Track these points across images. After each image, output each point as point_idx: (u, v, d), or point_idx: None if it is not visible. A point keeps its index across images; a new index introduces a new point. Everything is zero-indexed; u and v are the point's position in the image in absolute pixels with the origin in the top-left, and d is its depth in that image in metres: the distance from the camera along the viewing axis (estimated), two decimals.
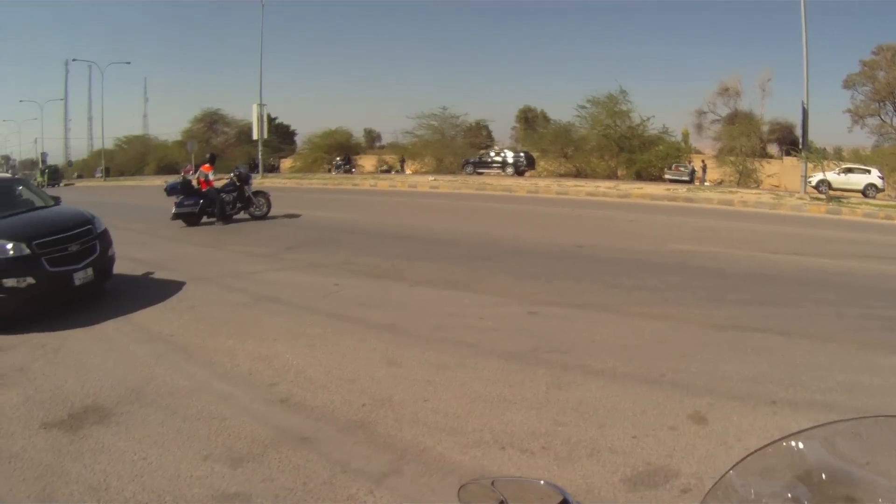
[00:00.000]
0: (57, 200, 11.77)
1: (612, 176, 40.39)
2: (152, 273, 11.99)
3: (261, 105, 44.95)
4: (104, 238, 10.41)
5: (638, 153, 40.76)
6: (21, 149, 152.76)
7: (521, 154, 45.87)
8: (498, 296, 9.60)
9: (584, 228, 16.39)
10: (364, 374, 6.41)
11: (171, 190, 19.81)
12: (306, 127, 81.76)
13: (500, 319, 8.34)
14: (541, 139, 48.28)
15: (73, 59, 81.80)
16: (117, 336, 8.09)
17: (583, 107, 43.99)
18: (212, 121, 75.11)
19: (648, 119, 42.69)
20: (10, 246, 8.85)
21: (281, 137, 76.90)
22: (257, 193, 20.43)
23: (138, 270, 12.15)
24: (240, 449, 4.78)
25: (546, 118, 58.59)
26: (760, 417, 5.26)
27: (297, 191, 34.14)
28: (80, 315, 8.98)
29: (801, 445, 1.28)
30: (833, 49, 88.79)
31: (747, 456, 1.29)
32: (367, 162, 63.42)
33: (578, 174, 42.19)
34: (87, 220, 10.28)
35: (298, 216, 20.62)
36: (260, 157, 47.73)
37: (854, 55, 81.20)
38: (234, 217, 19.90)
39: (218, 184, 19.93)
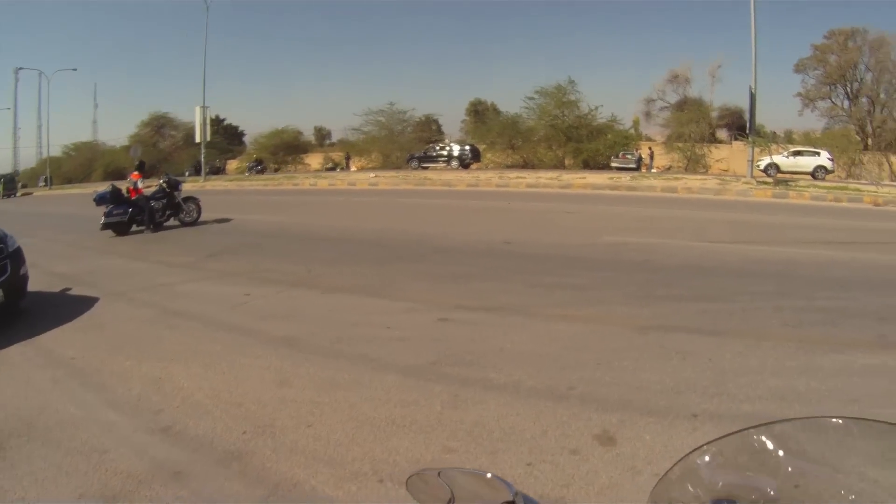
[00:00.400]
0: None
1: (559, 166, 40.13)
2: (70, 289, 11.39)
3: (204, 107, 43.87)
4: (16, 257, 9.69)
5: (585, 142, 40.39)
6: None
7: (467, 147, 45.49)
8: (411, 301, 8.90)
9: (518, 223, 15.70)
10: (252, 396, 5.85)
11: (99, 199, 18.99)
12: (257, 127, 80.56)
13: (408, 328, 7.66)
14: (488, 132, 47.93)
15: (20, 68, 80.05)
16: (21, 361, 7.58)
17: (531, 98, 43.73)
18: (159, 124, 74.31)
19: (597, 108, 42.47)
20: None
21: (229, 138, 76.37)
22: (187, 199, 19.57)
23: (57, 286, 11.62)
24: (114, 486, 4.38)
25: (496, 111, 58.19)
26: (677, 435, 4.61)
27: (236, 193, 33.50)
28: None
29: (763, 438, 1.29)
30: (786, 34, 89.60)
31: (708, 443, 1.30)
32: (314, 160, 63.16)
33: (526, 165, 41.91)
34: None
35: (229, 221, 19.94)
36: (203, 159, 46.86)
37: (806, 40, 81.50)
38: (165, 224, 19.14)
39: (148, 191, 19.08)
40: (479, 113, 64.82)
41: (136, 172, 18.75)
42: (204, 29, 45.26)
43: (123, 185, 19.46)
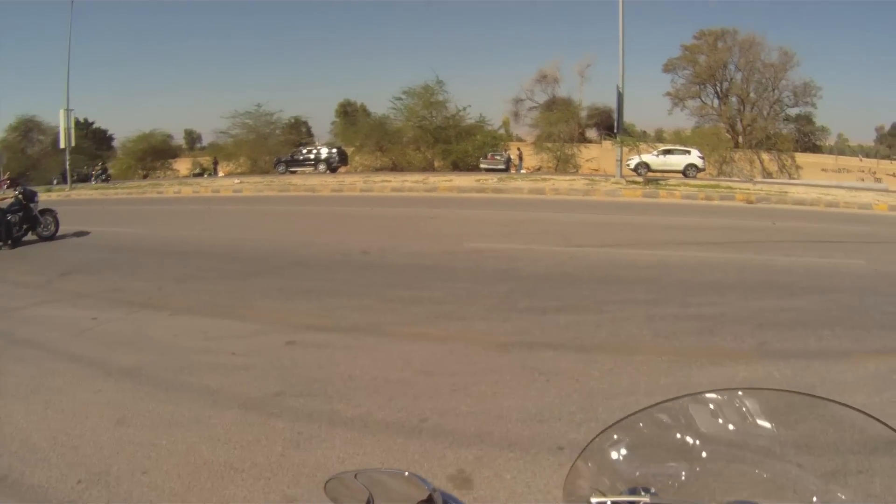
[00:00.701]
0: None
1: (428, 168, 39.76)
2: None
3: (67, 110, 40.13)
4: None
5: (454, 143, 40.07)
6: None
7: (334, 150, 44.49)
8: (260, 322, 8.28)
9: (379, 230, 15.05)
10: (90, 437, 5.36)
11: None
12: (127, 131, 77.40)
13: (254, 353, 7.10)
14: (356, 133, 47.12)
15: None
16: None
17: (398, 98, 43.12)
18: (27, 129, 69.74)
19: (465, 109, 42.31)
20: None
21: (98, 143, 73.27)
22: (44, 212, 17.82)
23: None
24: None
25: (366, 112, 57.40)
26: (542, 472, 4.30)
27: (100, 202, 31.48)
28: None
29: (690, 408, 1.35)
30: (656, 34, 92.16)
31: (608, 428, 1.34)
32: (184, 165, 60.50)
33: (395, 167, 41.35)
34: None
35: (87, 234, 18.59)
36: (68, 166, 44.38)
37: (676, 40, 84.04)
38: (24, 239, 17.59)
39: (3, 203, 17.65)
40: (349, 114, 63.83)
41: None
42: (68, 27, 42.82)
43: None
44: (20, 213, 17.36)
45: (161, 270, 12.09)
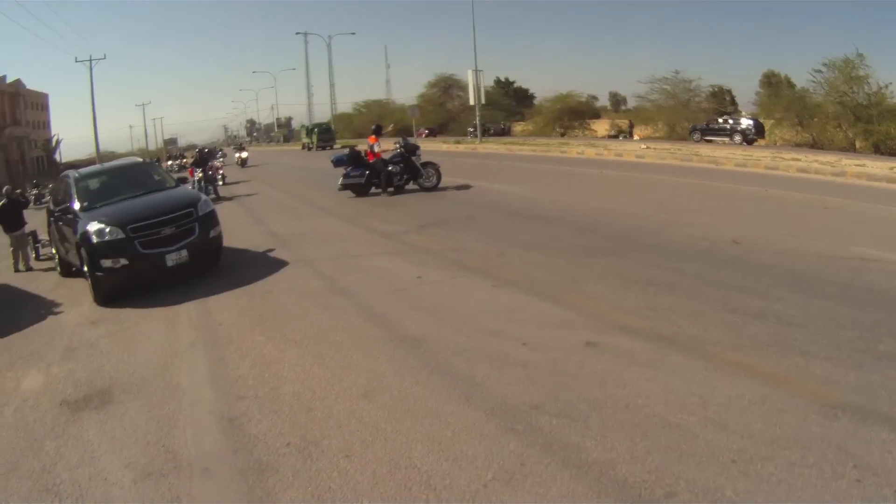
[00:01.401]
0: (178, 182, 12.76)
1: (848, 148, 34.86)
2: (272, 250, 12.37)
3: (476, 71, 45.38)
4: (206, 221, 10.82)
5: (876, 124, 34.78)
6: (259, 115, 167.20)
7: (750, 122, 41.21)
8: (575, 311, 7.29)
9: (761, 216, 12.38)
10: (329, 404, 5.56)
11: (337, 162, 19.81)
12: (550, 91, 79.98)
13: (545, 348, 6.25)
14: (775, 106, 43.31)
15: (297, 32, 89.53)
16: (183, 320, 8.68)
17: (818, 71, 38.59)
18: (446, 85, 77.06)
19: (887, 86, 36.50)
20: (108, 230, 9.81)
21: (518, 101, 77.06)
22: (426, 164, 19.51)
23: (266, 245, 12.90)
24: (155, 465, 4.87)
25: (790, 84, 52.75)
26: None
27: (500, 158, 32.78)
28: (174, 294, 9.81)
29: None
30: None
31: None
32: (601, 126, 61.70)
33: (814, 145, 37.01)
34: (189, 204, 10.81)
35: (468, 188, 19.41)
36: (478, 121, 48.04)
37: None
38: (406, 188, 19.35)
39: (386, 155, 19.49)
40: (773, 85, 59.55)
41: (372, 136, 18.94)
42: None
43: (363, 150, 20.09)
44: (401, 165, 19.13)
45: (514, 234, 11.98)
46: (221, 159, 29.77)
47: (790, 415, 4.61)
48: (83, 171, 12.80)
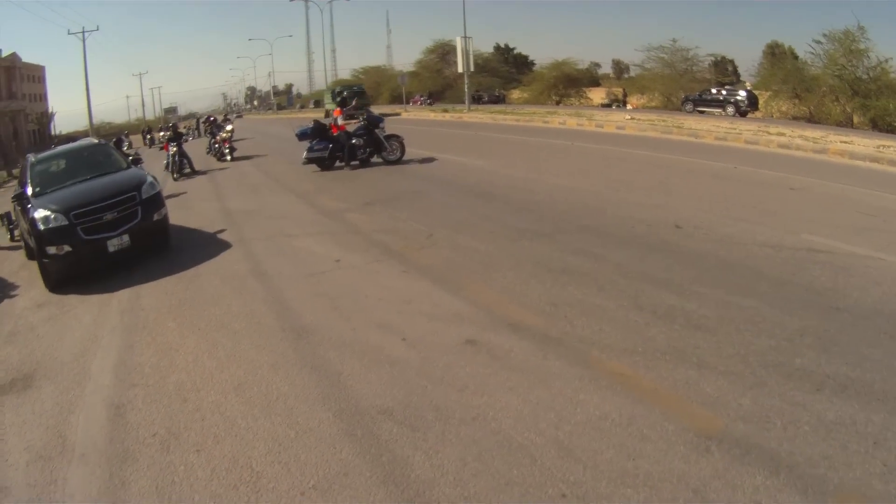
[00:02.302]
0: (130, 164, 12.78)
1: (845, 123, 34.26)
2: (223, 230, 12.55)
3: (465, 38, 44.89)
4: (150, 204, 10.88)
5: (874, 99, 34.09)
6: (257, 82, 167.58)
7: (743, 93, 40.75)
8: (474, 303, 7.19)
9: (714, 197, 11.87)
10: (203, 395, 5.77)
11: (301, 135, 19.71)
12: (550, 57, 79.40)
13: (423, 346, 6.18)
14: (772, 78, 42.82)
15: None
16: (112, 304, 8.88)
17: (817, 42, 38.02)
18: (444, 52, 76.55)
19: (887, 61, 35.86)
20: (52, 216, 9.96)
21: (518, 67, 76.94)
22: (390, 137, 19.40)
23: (215, 224, 13.16)
24: None
25: (794, 55, 52.18)
26: None
27: (483, 127, 32.45)
28: (114, 278, 9.99)
29: None
30: None
31: None
32: (598, 94, 61.94)
33: (811, 119, 36.46)
34: (133, 188, 10.86)
35: (433, 161, 19.35)
36: (466, 89, 47.26)
37: None
38: (372, 161, 19.30)
39: (350, 128, 19.49)
40: (776, 56, 59.05)
41: (337, 108, 18.83)
42: None
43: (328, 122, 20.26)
44: (364, 138, 19.05)
45: (452, 213, 11.99)
46: (230, 129, 28.89)
47: (653, 444, 4.24)
48: (41, 155, 12.98)
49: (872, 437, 4.14)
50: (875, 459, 3.92)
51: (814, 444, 4.09)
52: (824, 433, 4.20)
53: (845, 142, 19.81)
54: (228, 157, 25.85)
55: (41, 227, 9.95)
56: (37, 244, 10.06)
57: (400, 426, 4.80)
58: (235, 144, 27.48)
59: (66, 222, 9.92)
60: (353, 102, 22.27)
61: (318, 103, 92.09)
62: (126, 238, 10.24)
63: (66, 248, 9.82)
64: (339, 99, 20.32)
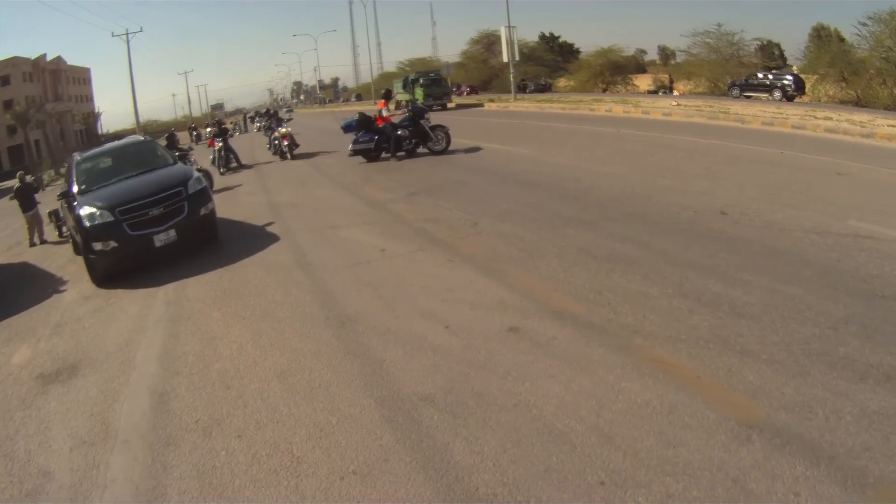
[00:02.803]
0: (176, 160, 12.95)
1: (893, 106, 32.86)
2: (272, 223, 12.62)
3: (509, 27, 44.47)
4: (197, 199, 10.95)
5: None
6: (303, 77, 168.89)
7: (790, 77, 39.67)
8: (518, 291, 7.10)
9: (763, 182, 11.47)
10: (246, 381, 5.80)
11: (346, 128, 19.78)
12: (598, 46, 78.70)
13: (465, 334, 6.12)
14: (818, 61, 41.65)
15: None
16: (160, 296, 9.02)
17: (863, 24, 36.77)
18: (489, 42, 76.30)
19: None
20: (98, 213, 10.09)
21: (564, 56, 76.40)
22: (435, 128, 19.38)
23: (261, 217, 13.27)
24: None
25: (840, 38, 50.84)
26: None
27: (529, 116, 32.21)
28: (162, 272, 10.13)
29: None
30: None
31: None
32: (644, 81, 60.75)
33: (858, 103, 35.30)
34: (179, 183, 10.93)
35: (478, 150, 19.25)
36: (511, 78, 47.05)
37: None
38: (418, 151, 19.32)
39: (396, 119, 19.58)
40: (822, 39, 57.64)
41: (381, 101, 18.95)
42: None
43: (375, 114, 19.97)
44: (410, 129, 19.04)
45: (496, 202, 11.83)
46: (288, 123, 27.69)
47: (693, 432, 4.14)
48: (86, 153, 13.16)
49: None
50: None
51: (855, 434, 3.95)
52: (866, 424, 4.05)
53: (893, 126, 18.96)
54: (289, 156, 24.77)
55: (87, 223, 10.11)
56: (83, 240, 10.24)
57: (441, 413, 4.76)
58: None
59: (112, 218, 10.06)
60: (418, 92, 21.84)
61: (359, 97, 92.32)
62: (173, 233, 10.34)
63: (112, 243, 9.96)
64: (384, 91, 20.22)
